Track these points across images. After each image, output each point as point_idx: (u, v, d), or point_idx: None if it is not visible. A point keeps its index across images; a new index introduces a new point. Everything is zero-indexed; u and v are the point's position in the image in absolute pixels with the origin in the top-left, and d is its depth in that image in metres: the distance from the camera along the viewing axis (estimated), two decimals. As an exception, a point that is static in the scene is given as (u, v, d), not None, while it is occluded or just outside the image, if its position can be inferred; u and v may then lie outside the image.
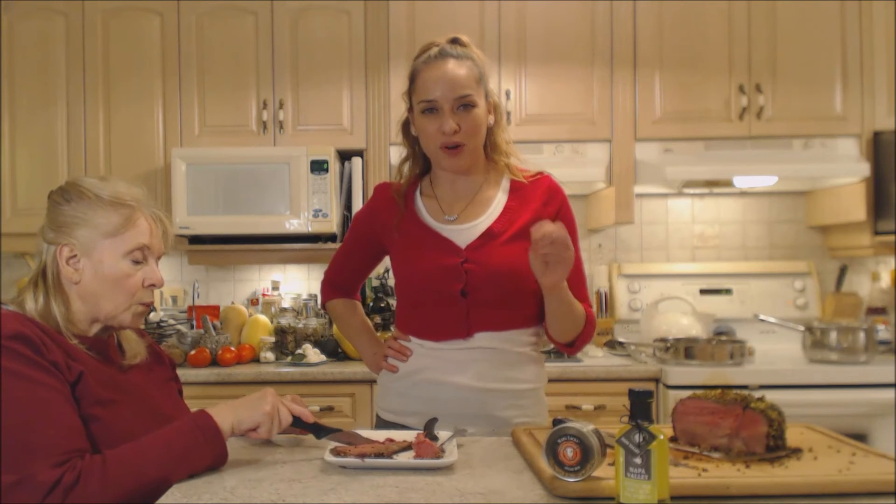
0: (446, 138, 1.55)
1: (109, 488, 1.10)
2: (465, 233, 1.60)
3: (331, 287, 1.85)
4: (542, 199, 1.63)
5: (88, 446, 1.16)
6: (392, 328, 1.72)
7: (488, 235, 1.59)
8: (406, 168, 1.71)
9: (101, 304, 1.31)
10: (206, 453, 1.21)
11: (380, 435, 1.37)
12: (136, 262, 1.33)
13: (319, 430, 1.36)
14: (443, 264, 1.57)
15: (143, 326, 1.50)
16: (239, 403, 1.30)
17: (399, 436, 1.36)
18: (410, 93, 1.62)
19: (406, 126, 1.68)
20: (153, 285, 1.35)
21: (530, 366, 1.63)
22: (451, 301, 1.56)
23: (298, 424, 1.35)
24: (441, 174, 1.66)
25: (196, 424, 1.23)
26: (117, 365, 1.35)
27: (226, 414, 1.27)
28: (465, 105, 1.55)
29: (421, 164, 1.70)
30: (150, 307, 1.38)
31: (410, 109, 1.63)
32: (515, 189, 1.64)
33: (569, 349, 1.63)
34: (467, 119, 1.55)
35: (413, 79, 1.61)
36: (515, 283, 1.57)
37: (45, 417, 1.13)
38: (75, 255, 1.30)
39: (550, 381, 1.71)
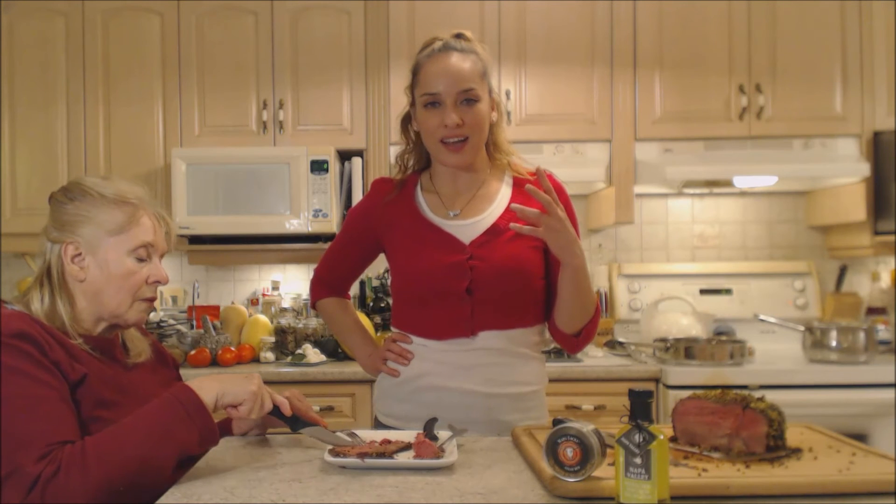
0: (448, 132, 1.52)
1: (91, 474, 1.08)
2: (469, 228, 1.57)
3: (322, 285, 1.79)
4: None
5: (75, 438, 1.13)
6: (392, 328, 1.70)
7: (493, 231, 1.55)
8: (406, 160, 1.67)
9: (106, 301, 1.31)
10: (191, 427, 1.18)
11: (378, 435, 1.36)
12: (141, 260, 1.33)
13: (296, 423, 1.36)
14: (447, 261, 1.53)
15: (143, 326, 1.50)
16: (225, 377, 1.28)
17: (396, 437, 1.35)
18: (413, 87, 1.59)
19: (406, 121, 1.64)
20: (158, 282, 1.35)
21: (533, 366, 1.60)
22: (456, 299, 1.52)
23: (276, 414, 1.35)
24: (441, 169, 1.62)
25: (177, 398, 1.20)
26: (122, 364, 1.35)
27: (210, 385, 1.25)
28: (469, 99, 1.52)
29: (422, 159, 1.67)
30: (153, 303, 1.38)
31: (413, 104, 1.60)
32: (519, 185, 1.61)
33: (574, 341, 1.58)
34: (471, 113, 1.52)
35: (416, 72, 1.57)
36: (522, 280, 1.54)
37: (36, 412, 1.12)
38: (80, 253, 1.30)
39: (551, 381, 1.70)
